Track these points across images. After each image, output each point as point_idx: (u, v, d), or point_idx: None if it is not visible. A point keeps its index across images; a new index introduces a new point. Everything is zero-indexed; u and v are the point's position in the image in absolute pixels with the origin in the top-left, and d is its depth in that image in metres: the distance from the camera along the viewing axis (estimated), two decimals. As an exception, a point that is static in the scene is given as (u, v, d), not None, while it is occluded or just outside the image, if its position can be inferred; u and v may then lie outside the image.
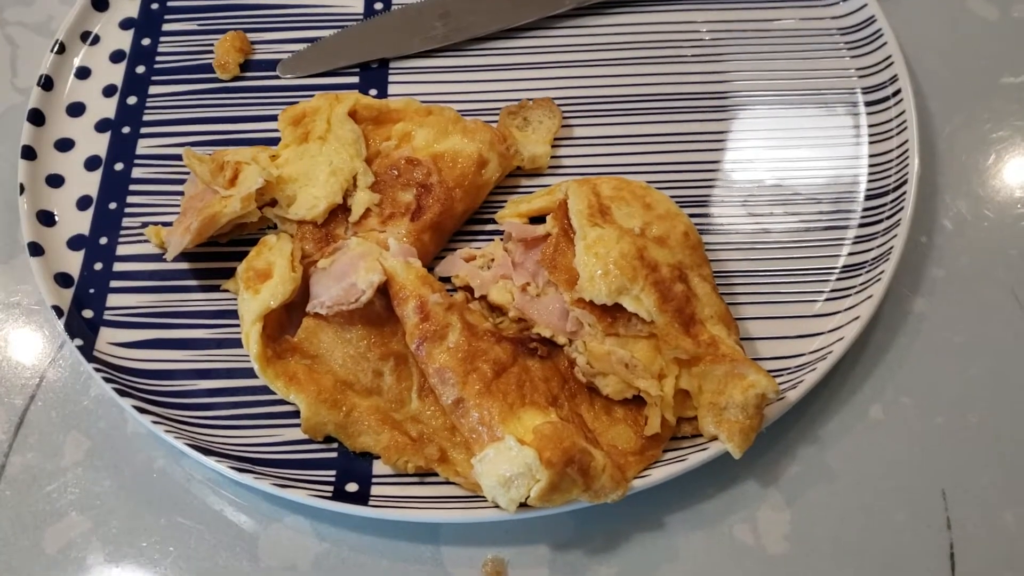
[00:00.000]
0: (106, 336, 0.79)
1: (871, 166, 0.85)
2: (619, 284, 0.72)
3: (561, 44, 0.94)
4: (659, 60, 0.92)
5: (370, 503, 0.71)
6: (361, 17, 0.96)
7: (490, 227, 0.85)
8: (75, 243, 0.83)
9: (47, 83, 0.90)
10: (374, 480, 0.72)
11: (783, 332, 0.78)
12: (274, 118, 0.88)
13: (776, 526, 0.73)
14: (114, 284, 0.82)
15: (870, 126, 0.88)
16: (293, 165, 0.82)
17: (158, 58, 0.94)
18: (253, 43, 0.94)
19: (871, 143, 0.87)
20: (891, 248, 0.79)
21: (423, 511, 0.70)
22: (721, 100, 0.90)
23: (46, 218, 0.84)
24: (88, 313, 0.80)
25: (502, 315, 0.77)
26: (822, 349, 0.76)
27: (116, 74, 0.93)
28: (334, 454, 0.74)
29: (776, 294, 0.80)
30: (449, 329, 0.72)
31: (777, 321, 0.78)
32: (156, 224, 0.84)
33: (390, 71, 0.93)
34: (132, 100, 0.91)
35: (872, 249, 0.80)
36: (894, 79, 0.88)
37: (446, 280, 0.80)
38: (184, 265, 0.82)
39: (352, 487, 0.72)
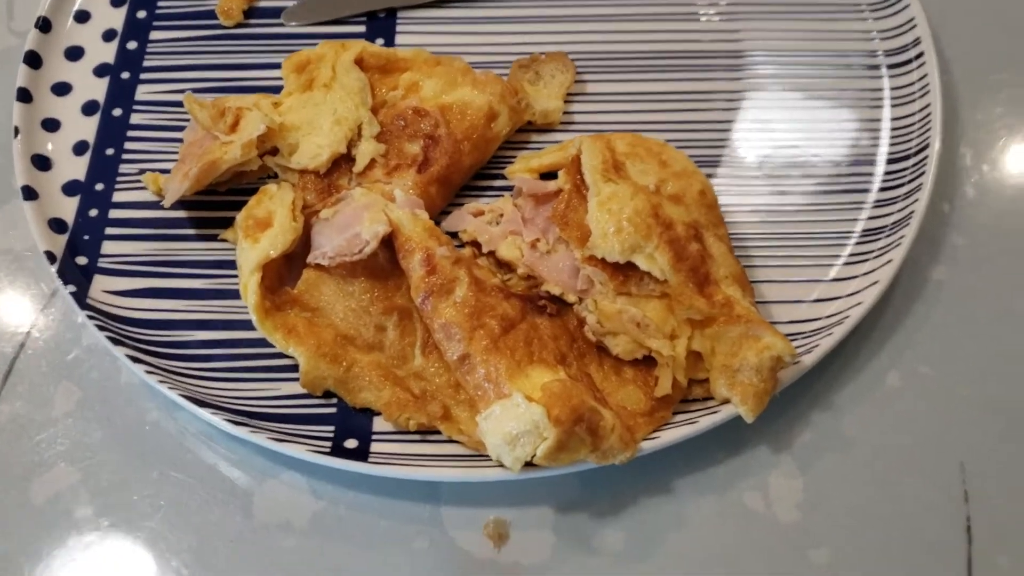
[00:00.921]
0: (100, 284, 0.76)
1: (893, 130, 0.83)
2: (632, 241, 0.69)
3: (575, -1, 0.91)
4: (676, 17, 0.90)
5: (369, 460, 0.68)
6: (369, -35, 0.93)
7: (498, 183, 0.82)
8: (70, 188, 0.81)
9: (45, 25, 0.87)
10: (374, 437, 0.70)
11: (799, 296, 0.75)
12: (277, 66, 0.85)
13: (788, 494, 0.71)
14: (109, 231, 0.79)
15: (892, 89, 0.85)
16: (296, 113, 0.79)
17: (160, 3, 0.91)
18: (257, -11, 0.92)
19: (893, 106, 0.84)
20: (912, 213, 0.77)
21: (424, 469, 0.68)
22: (739, 59, 0.88)
23: (41, 162, 0.81)
24: (82, 260, 0.77)
25: (510, 272, 0.75)
26: (839, 314, 0.73)
27: (116, 18, 0.90)
28: (333, 410, 0.71)
29: (793, 257, 0.77)
30: (456, 283, 0.70)
31: (793, 285, 0.76)
32: (154, 171, 0.81)
33: (398, 21, 0.90)
34: (132, 45, 0.89)
35: (892, 214, 0.78)
36: (917, 42, 0.86)
37: (453, 235, 0.77)
38: (181, 213, 0.80)
39: (351, 443, 0.70)
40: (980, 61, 0.91)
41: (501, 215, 0.78)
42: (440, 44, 0.88)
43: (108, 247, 0.78)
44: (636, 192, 0.72)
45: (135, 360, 0.71)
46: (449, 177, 0.78)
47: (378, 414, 0.71)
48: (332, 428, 0.70)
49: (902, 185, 0.79)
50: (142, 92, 0.86)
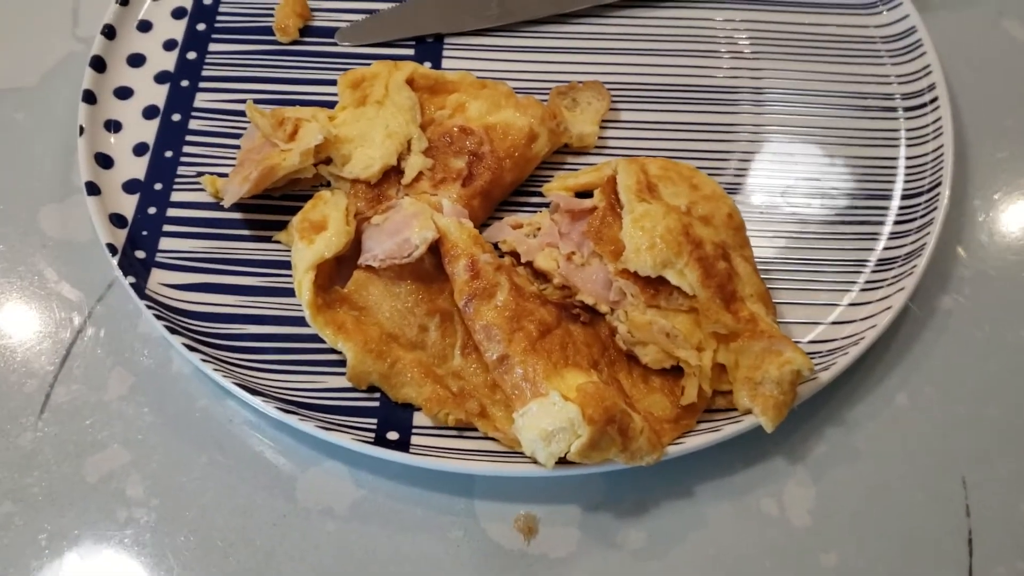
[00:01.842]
0: (158, 277, 0.80)
1: (907, 168, 0.88)
2: (664, 257, 0.74)
3: (611, 32, 0.97)
4: (706, 54, 0.95)
5: (410, 451, 0.72)
6: (419, -8, 0.98)
7: (536, 199, 0.87)
8: (130, 187, 0.85)
9: (110, 32, 0.92)
10: (414, 430, 0.74)
11: (818, 317, 0.80)
12: (330, 82, 0.90)
13: (801, 501, 0.75)
14: (167, 228, 0.83)
15: (907, 130, 0.91)
16: (350, 126, 0.84)
17: (219, 17, 0.96)
18: (312, 10, 0.97)
19: (908, 145, 0.90)
20: (924, 245, 0.82)
21: (460, 462, 0.72)
22: (762, 96, 0.93)
23: (103, 160, 0.86)
24: (140, 253, 0.82)
25: (546, 282, 0.80)
26: (855, 335, 0.78)
27: (177, 30, 0.95)
28: (376, 403, 0.76)
29: (812, 282, 0.82)
30: (498, 288, 0.75)
31: (812, 307, 0.81)
32: (212, 174, 0.86)
33: (444, 46, 0.95)
34: (192, 55, 0.94)
35: (906, 245, 0.83)
36: (932, 87, 0.91)
37: (493, 245, 0.82)
38: (236, 215, 0.84)
39: (393, 435, 0.74)
40: (990, 106, 0.97)
41: (539, 228, 0.82)
42: (483, 70, 0.93)
43: (165, 243, 0.83)
44: (668, 212, 0.77)
45: (190, 348, 0.75)
46: (491, 192, 0.83)
47: (418, 409, 0.75)
48: (375, 420, 0.75)
49: (915, 219, 0.85)
50: (200, 100, 0.91)
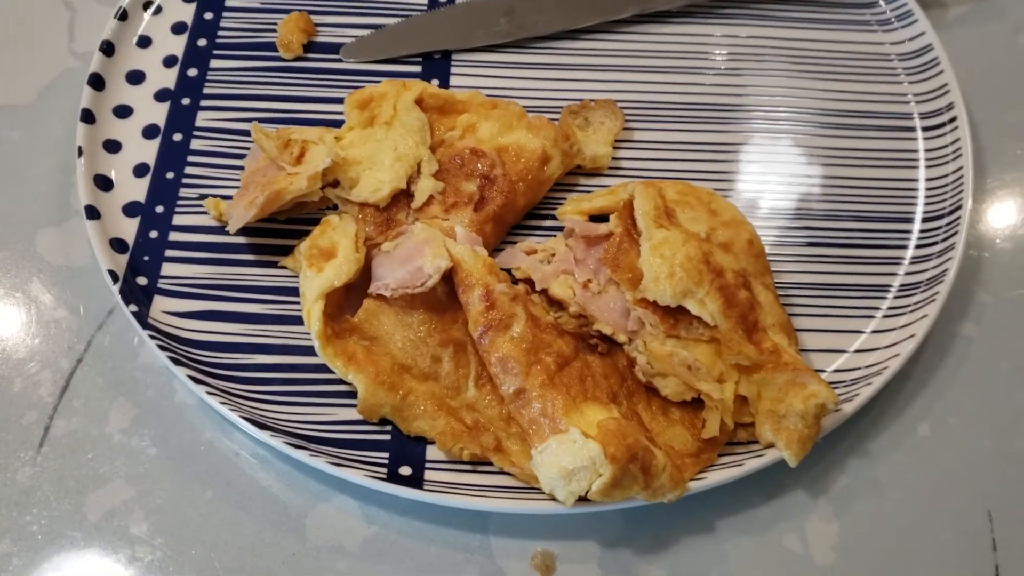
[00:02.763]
0: (160, 304, 0.78)
1: (927, 190, 0.87)
2: (684, 287, 0.72)
3: (622, 48, 0.95)
4: (718, 72, 0.94)
5: (424, 487, 0.70)
6: (425, 8, 0.96)
7: (548, 223, 0.85)
8: (131, 210, 0.83)
9: (108, 49, 0.90)
10: (427, 465, 0.72)
11: (840, 346, 0.79)
12: (335, 100, 0.88)
13: (824, 537, 0.73)
14: (169, 253, 0.81)
15: (926, 151, 0.89)
16: (358, 148, 0.82)
17: (220, 32, 0.94)
18: (317, 25, 0.94)
19: (927, 167, 0.88)
20: (946, 270, 0.80)
21: (475, 499, 0.70)
22: (778, 115, 0.91)
23: (103, 182, 0.83)
24: (142, 280, 0.79)
25: (561, 310, 0.78)
26: (878, 364, 0.76)
27: (177, 45, 0.93)
28: (388, 436, 0.73)
29: (833, 308, 0.81)
30: (514, 319, 0.73)
31: (834, 335, 0.79)
32: (214, 196, 0.83)
33: (452, 63, 0.93)
34: (192, 72, 0.91)
35: (928, 270, 0.82)
36: (950, 106, 0.90)
37: (506, 272, 0.80)
38: (241, 239, 0.82)
39: (406, 470, 0.72)
40: (1005, 127, 0.95)
41: (553, 254, 0.80)
42: (493, 87, 0.91)
43: (168, 268, 0.80)
44: (688, 239, 0.75)
45: (196, 381, 0.73)
46: (503, 216, 0.81)
47: (431, 443, 0.73)
48: (387, 455, 0.72)
49: (936, 243, 0.83)
50: (202, 118, 0.88)
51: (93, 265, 0.81)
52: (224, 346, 0.77)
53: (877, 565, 0.72)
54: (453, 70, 0.93)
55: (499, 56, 0.94)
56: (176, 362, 0.74)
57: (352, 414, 0.74)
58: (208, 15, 0.94)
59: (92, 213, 0.81)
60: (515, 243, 0.82)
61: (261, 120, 0.88)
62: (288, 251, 0.81)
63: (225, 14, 0.95)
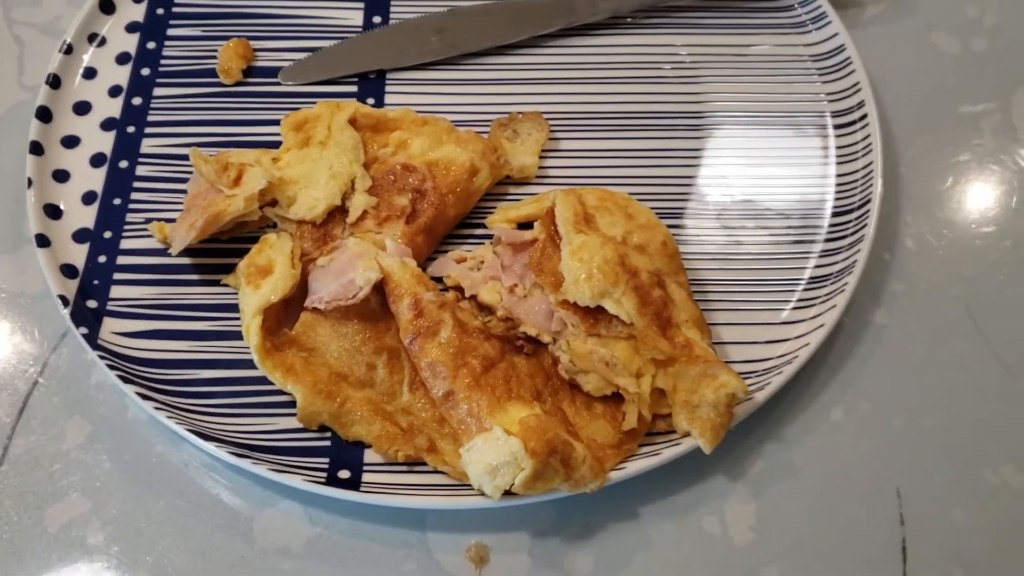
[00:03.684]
0: (110, 325, 0.82)
1: (838, 185, 0.91)
2: (602, 288, 0.76)
3: (550, 62, 0.99)
4: (641, 80, 0.98)
5: (361, 489, 0.74)
6: (360, 30, 1.00)
7: (479, 231, 0.89)
8: (80, 236, 0.87)
9: (55, 82, 0.94)
10: (365, 468, 0.76)
11: (752, 337, 0.83)
12: (275, 122, 0.92)
13: (742, 518, 0.78)
14: (117, 276, 0.85)
15: (838, 148, 0.93)
16: (294, 168, 0.86)
17: (163, 61, 0.97)
18: (255, 50, 0.98)
19: (838, 163, 0.92)
20: (855, 262, 0.85)
21: (412, 498, 0.74)
22: (699, 119, 0.96)
23: (52, 211, 0.87)
24: (92, 303, 0.83)
25: (490, 314, 0.82)
26: (788, 354, 0.81)
27: (122, 75, 0.96)
28: (327, 443, 0.78)
29: (746, 302, 0.85)
30: (441, 326, 0.77)
31: (747, 327, 0.83)
32: (159, 220, 0.87)
33: (387, 82, 0.97)
34: (137, 101, 0.95)
35: (837, 263, 0.86)
36: (861, 104, 0.94)
37: (438, 280, 0.84)
38: (186, 260, 0.86)
39: (344, 474, 0.76)
40: (918, 123, 0.99)
41: (482, 262, 0.85)
42: (426, 104, 0.95)
43: (116, 291, 0.84)
44: (605, 242, 0.79)
45: (144, 397, 0.77)
46: (435, 227, 0.85)
47: (369, 447, 0.77)
48: (327, 460, 0.77)
49: (846, 236, 0.87)
50: (147, 145, 0.92)
51: (46, 291, 0.84)
52: (171, 363, 0.81)
53: (792, 543, 0.77)
54: (388, 88, 0.97)
55: (432, 74, 0.98)
56: (125, 380, 0.78)
57: (292, 423, 0.78)
58: (151, 44, 0.98)
59: (42, 241, 0.85)
60: (447, 252, 0.87)
61: (204, 144, 0.92)
62: (231, 269, 0.85)
63: (167, 43, 0.98)
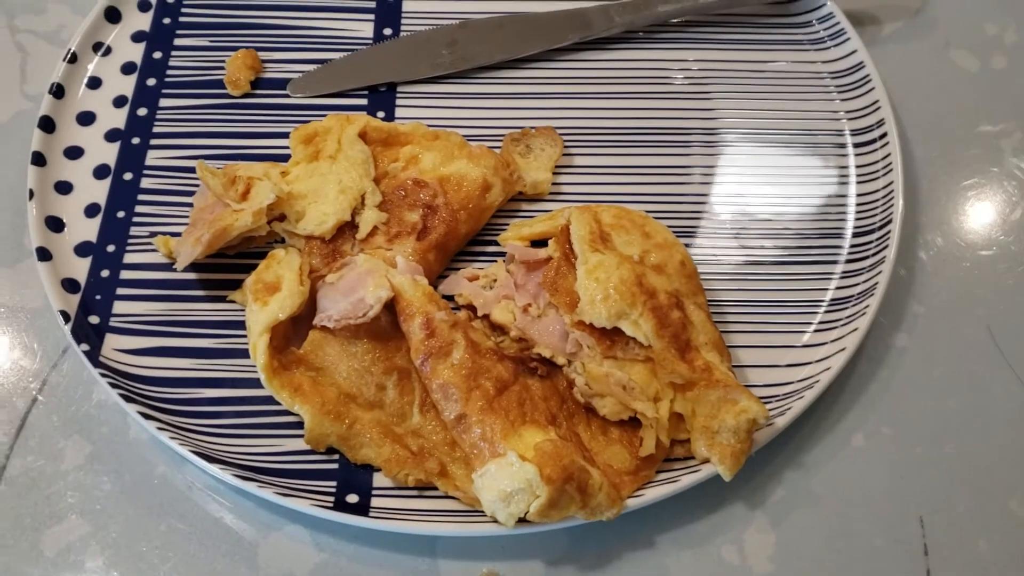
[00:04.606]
0: (112, 342, 0.80)
1: (858, 205, 0.89)
2: (619, 308, 0.74)
3: (563, 76, 0.97)
4: (657, 95, 0.96)
5: (370, 514, 0.72)
6: (370, 42, 0.98)
7: (491, 248, 0.87)
8: (82, 250, 0.85)
9: (58, 91, 0.92)
10: (374, 492, 0.74)
11: (773, 361, 0.81)
12: (283, 135, 0.90)
13: (762, 548, 0.76)
14: (120, 291, 0.83)
15: (857, 167, 0.92)
16: (303, 182, 0.84)
17: (169, 71, 0.96)
18: (264, 62, 0.96)
19: (858, 183, 0.91)
20: (876, 284, 0.83)
21: (422, 523, 0.72)
22: (715, 136, 0.94)
23: (54, 224, 0.85)
24: (94, 319, 0.81)
25: (503, 334, 0.80)
26: (809, 378, 0.79)
27: (127, 85, 0.95)
28: (335, 465, 0.75)
29: (766, 324, 0.83)
30: (453, 346, 0.75)
31: (767, 350, 0.81)
32: (164, 234, 0.85)
33: (397, 95, 0.95)
34: (142, 111, 0.93)
35: (858, 284, 0.84)
36: (881, 123, 0.93)
37: (449, 298, 0.82)
38: (191, 275, 0.84)
39: (353, 498, 0.74)
40: (937, 142, 0.98)
41: (495, 280, 0.83)
42: (437, 117, 0.93)
43: (119, 307, 0.82)
44: (622, 262, 0.77)
45: (146, 417, 0.75)
46: (446, 244, 0.83)
47: (378, 470, 0.75)
48: (334, 483, 0.74)
49: (867, 257, 0.86)
50: (152, 157, 0.90)
51: (47, 305, 0.82)
52: (174, 381, 0.79)
53: (812, 573, 0.75)
54: (398, 102, 0.95)
55: (443, 87, 0.96)
56: (127, 399, 0.76)
57: (300, 444, 0.75)
58: (157, 55, 0.96)
59: (44, 255, 0.82)
60: (459, 269, 0.85)
61: (210, 157, 0.90)
62: (237, 285, 0.83)
63: (174, 53, 0.97)
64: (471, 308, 0.81)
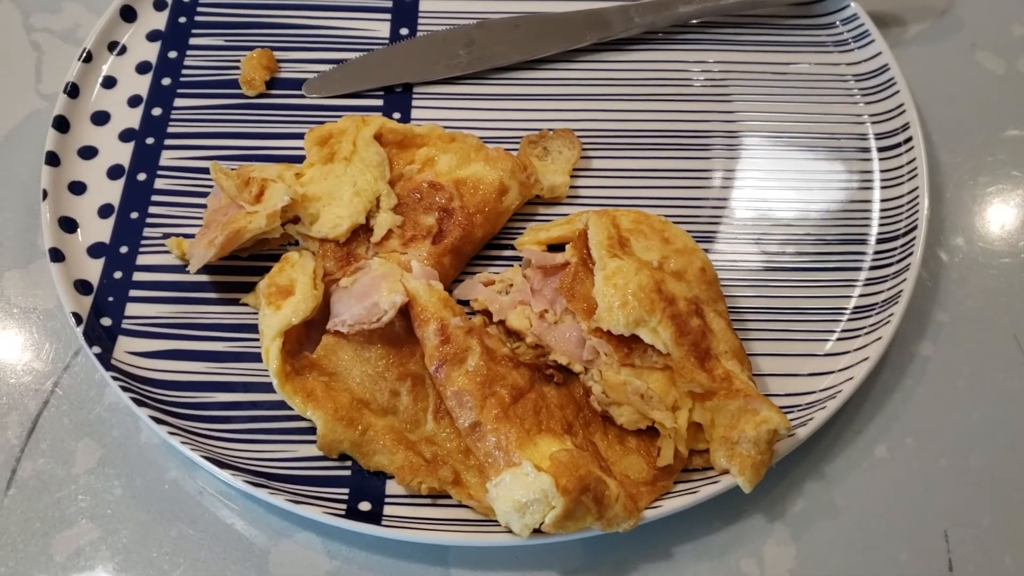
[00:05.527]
0: (124, 345, 0.79)
1: (882, 211, 0.87)
2: (637, 315, 0.73)
3: (581, 77, 0.96)
4: (677, 98, 0.94)
5: (383, 523, 0.71)
6: (387, 42, 0.97)
7: (508, 253, 0.86)
8: (95, 251, 0.84)
9: (73, 91, 0.91)
10: (387, 500, 0.73)
11: (794, 369, 0.79)
12: (298, 136, 0.89)
13: (781, 561, 0.74)
14: (133, 293, 0.82)
15: (882, 171, 0.90)
16: (318, 184, 0.83)
17: (184, 71, 0.95)
18: (279, 61, 0.95)
19: (883, 188, 0.89)
20: (900, 291, 0.81)
21: (435, 533, 0.71)
22: (736, 139, 0.92)
23: (67, 224, 0.85)
24: (106, 321, 0.80)
25: (519, 340, 0.78)
26: (832, 388, 0.77)
27: (142, 85, 0.94)
28: (348, 472, 0.74)
29: (788, 332, 0.81)
30: (468, 353, 0.73)
31: (788, 359, 0.80)
32: (177, 235, 0.84)
33: (414, 96, 0.94)
34: (157, 111, 0.92)
35: (882, 292, 0.82)
36: (906, 127, 0.91)
37: (464, 303, 0.81)
38: (204, 277, 0.83)
39: (365, 506, 0.72)
40: (963, 146, 0.96)
41: (510, 285, 0.81)
42: (454, 119, 0.92)
43: (132, 309, 0.81)
44: (640, 268, 0.76)
45: (157, 421, 0.74)
46: (462, 248, 0.82)
47: (391, 477, 0.74)
48: (347, 490, 0.73)
49: (891, 264, 0.84)
50: (166, 158, 0.90)
51: (59, 307, 0.82)
52: (186, 385, 0.78)
53: (834, 588, 0.73)
54: (414, 103, 0.94)
55: (460, 88, 0.95)
56: (138, 402, 0.75)
57: (312, 450, 0.74)
58: (172, 54, 0.96)
59: (56, 256, 0.82)
60: (474, 274, 0.83)
61: (225, 157, 0.89)
62: (250, 288, 0.82)
63: (189, 53, 0.96)
64: (486, 314, 0.80)
